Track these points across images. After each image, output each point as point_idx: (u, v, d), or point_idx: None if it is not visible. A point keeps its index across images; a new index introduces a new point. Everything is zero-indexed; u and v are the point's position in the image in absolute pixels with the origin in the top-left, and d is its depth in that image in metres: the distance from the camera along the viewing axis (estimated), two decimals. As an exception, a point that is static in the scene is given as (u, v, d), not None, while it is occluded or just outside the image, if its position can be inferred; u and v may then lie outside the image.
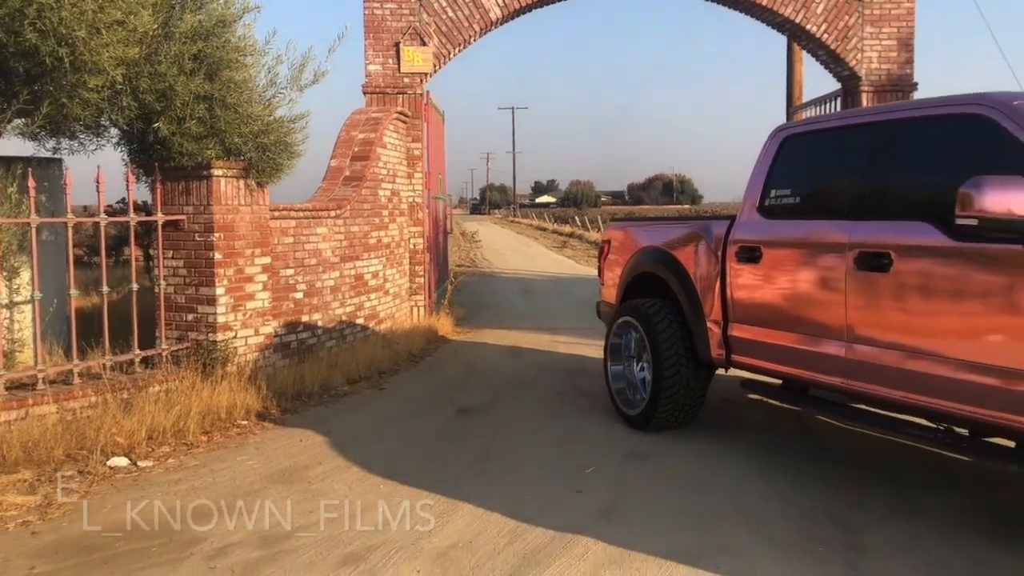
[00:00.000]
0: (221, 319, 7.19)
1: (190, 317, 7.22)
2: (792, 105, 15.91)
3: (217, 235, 7.13)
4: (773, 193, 5.28)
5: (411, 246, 11.35)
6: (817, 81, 14.02)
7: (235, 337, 7.31)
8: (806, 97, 15.35)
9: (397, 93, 10.98)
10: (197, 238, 7.18)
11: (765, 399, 5.67)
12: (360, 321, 9.55)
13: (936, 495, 4.63)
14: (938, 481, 4.88)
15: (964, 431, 4.22)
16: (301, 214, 8.42)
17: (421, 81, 11.05)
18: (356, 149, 9.84)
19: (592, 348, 8.97)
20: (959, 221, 3.64)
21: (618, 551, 3.91)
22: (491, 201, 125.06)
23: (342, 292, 9.15)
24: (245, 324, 7.43)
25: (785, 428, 6.10)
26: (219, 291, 7.16)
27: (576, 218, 50.28)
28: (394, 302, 10.63)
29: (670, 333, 5.82)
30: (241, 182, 7.34)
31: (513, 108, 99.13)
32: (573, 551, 3.91)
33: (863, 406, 4.72)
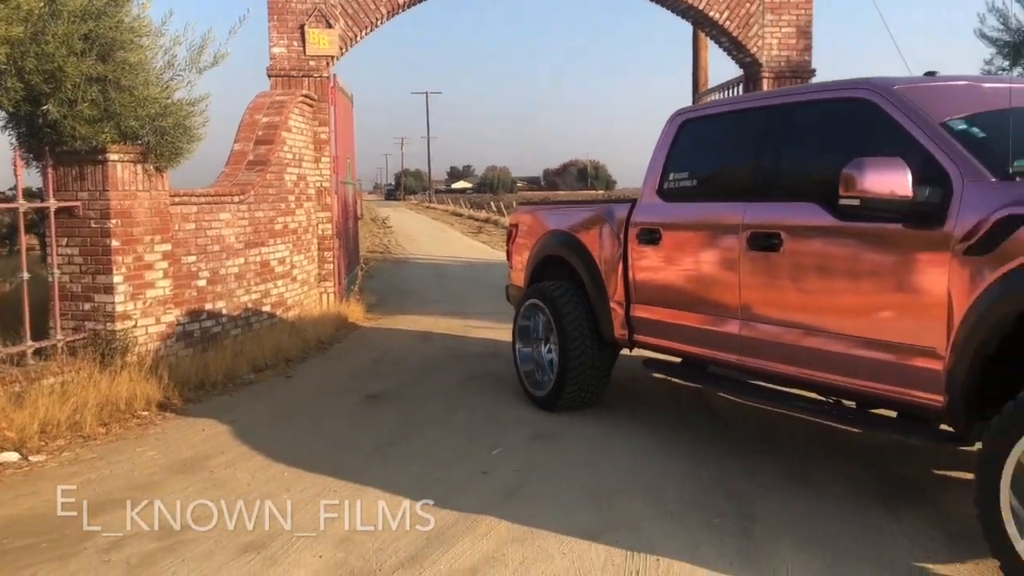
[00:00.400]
0: (120, 308, 6.97)
1: (87, 306, 6.99)
2: (698, 91, 16.23)
3: (114, 222, 6.91)
4: (671, 176, 5.39)
5: (319, 232, 11.19)
6: (724, 67, 14.30)
7: (135, 326, 7.10)
8: (712, 83, 15.66)
9: (303, 76, 10.79)
10: (93, 225, 6.94)
11: (668, 378, 5.79)
12: (267, 308, 9.39)
13: (827, 466, 4.82)
14: (829, 453, 5.07)
15: (851, 403, 4.40)
16: (203, 199, 8.22)
17: (328, 64, 10.88)
18: (260, 133, 9.64)
19: (504, 332, 9.00)
20: (842, 201, 3.78)
21: (521, 529, 3.96)
22: (406, 187, 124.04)
23: (247, 279, 8.98)
24: (145, 313, 7.22)
25: (687, 405, 6.26)
26: (117, 279, 6.95)
27: (492, 203, 50.30)
28: (302, 289, 10.48)
29: (576, 315, 5.90)
30: (139, 167, 7.12)
31: (427, 93, 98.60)
32: (477, 531, 3.95)
33: (758, 382, 4.88)
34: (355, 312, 10.92)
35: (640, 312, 5.50)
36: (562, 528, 3.96)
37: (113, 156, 6.83)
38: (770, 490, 4.45)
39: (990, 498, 3.18)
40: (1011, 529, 3.14)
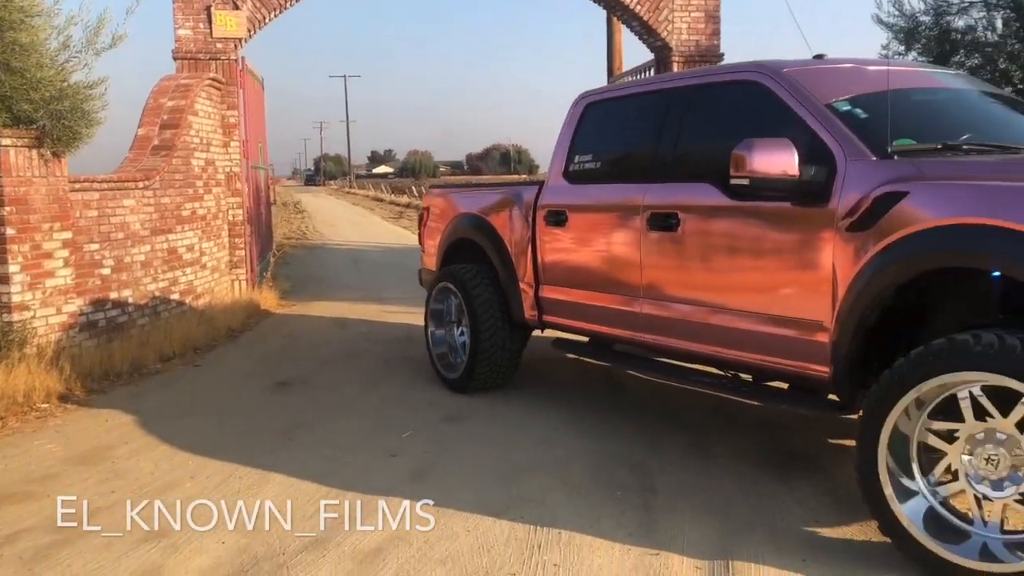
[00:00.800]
0: (17, 299, 6.75)
1: (-19, 297, 6.74)
2: (613, 75, 16.40)
3: (8, 209, 6.67)
4: (576, 159, 5.46)
5: (230, 218, 10.98)
6: (639, 52, 14.42)
7: (34, 317, 6.88)
8: (627, 67, 15.84)
9: (210, 59, 10.54)
10: (-14, 213, 6.69)
11: (577, 357, 5.88)
12: (175, 296, 9.19)
13: (726, 438, 4.98)
14: (728, 426, 5.24)
15: (748, 377, 4.55)
16: (105, 186, 7.98)
17: (235, 47, 10.66)
18: (165, 117, 9.39)
19: (421, 317, 8.99)
20: (733, 181, 3.89)
21: (428, 508, 3.98)
22: (326, 172, 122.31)
23: (154, 267, 8.76)
24: (45, 303, 7.00)
25: (596, 384, 6.37)
26: (13, 269, 6.71)
27: (414, 188, 50.00)
28: (213, 276, 10.27)
29: (486, 297, 5.94)
30: (34, 152, 6.87)
31: (345, 76, 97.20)
32: (383, 512, 3.96)
33: (662, 359, 5.00)
34: (268, 299, 10.77)
35: (549, 293, 5.57)
36: (467, 506, 4.00)
37: (6, 141, 6.58)
38: (671, 463, 4.58)
39: (869, 462, 3.33)
40: (888, 491, 3.29)
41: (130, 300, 8.32)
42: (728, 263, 4.27)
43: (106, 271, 7.96)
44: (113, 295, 8.07)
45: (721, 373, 4.64)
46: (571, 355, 5.73)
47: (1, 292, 6.69)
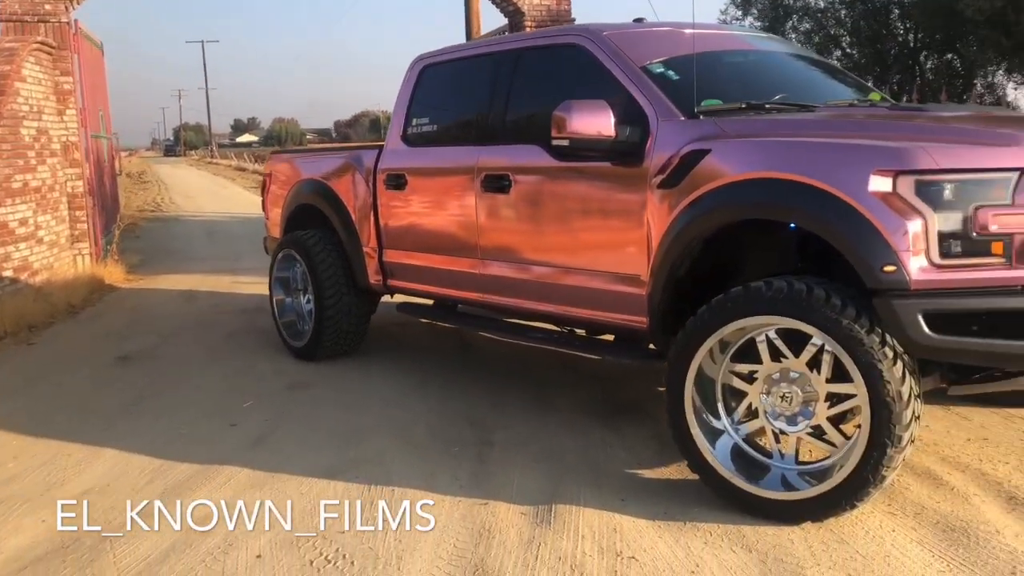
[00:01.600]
0: None
1: None
2: (470, 39, 16.38)
3: None
4: (414, 122, 5.48)
5: (69, 190, 10.46)
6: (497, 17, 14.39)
7: None
8: (484, 31, 15.84)
9: (38, 21, 9.94)
10: None
11: (423, 320, 5.94)
12: (8, 274, 8.71)
13: (566, 392, 5.16)
14: (569, 380, 5.43)
15: (582, 331, 4.73)
16: (-82, 157, 7.47)
17: (67, 8, 10.09)
18: (-10, 83, 8.83)
19: (271, 285, 8.87)
20: (554, 142, 4.00)
21: (262, 475, 3.99)
22: (187, 142, 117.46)
23: (-18, 243, 8.29)
24: None
25: (446, 346, 6.46)
26: None
27: (276, 157, 48.52)
28: (51, 251, 9.78)
29: (330, 263, 5.91)
30: None
31: (203, 41, 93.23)
32: (216, 480, 3.94)
33: (503, 317, 5.12)
34: (114, 274, 10.35)
35: (392, 257, 5.59)
36: (304, 470, 4.03)
37: None
38: (510, 417, 4.72)
39: (677, 404, 3.54)
40: (695, 431, 3.52)
41: (-45, 278, 7.87)
42: (556, 222, 4.40)
43: (-77, 248, 7.49)
44: (-67, 273, 7.61)
45: (556, 328, 4.80)
46: (418, 319, 5.77)
47: None
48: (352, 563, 3.17)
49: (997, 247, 3.06)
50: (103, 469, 4.14)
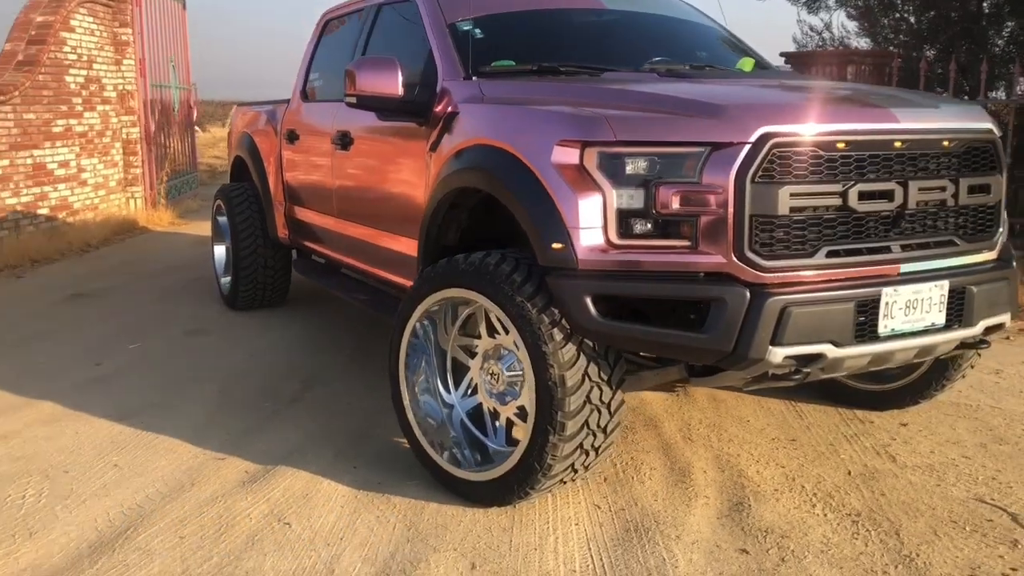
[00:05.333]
0: None
1: None
2: None
3: None
4: (311, 77, 5.48)
5: (123, 136, 11.11)
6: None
7: None
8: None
9: (97, -25, 10.54)
10: None
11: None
12: (44, 212, 9.39)
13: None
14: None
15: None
16: (-53, 99, 8.13)
17: (127, -37, 10.64)
18: (33, 32, 9.46)
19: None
20: (345, 99, 3.89)
21: (64, 411, 4.18)
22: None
23: (15, 182, 8.95)
24: None
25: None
26: None
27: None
28: (96, 193, 10.45)
29: (245, 216, 6.02)
30: None
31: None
32: (22, 412, 4.18)
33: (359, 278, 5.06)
34: (161, 219, 10.94)
35: (292, 213, 5.64)
36: (103, 412, 4.16)
37: None
38: (338, 377, 4.68)
39: (393, 371, 3.42)
40: (406, 400, 3.39)
41: (-17, 213, 8.55)
42: (377, 182, 4.32)
43: (-49, 184, 8.17)
44: (-39, 208, 8.29)
45: (385, 290, 4.66)
46: (310, 279, 5.73)
47: None
48: (45, 491, 3.25)
49: (681, 229, 2.76)
50: (-59, 393, 4.44)
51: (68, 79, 9.87)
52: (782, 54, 8.59)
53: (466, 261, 3.10)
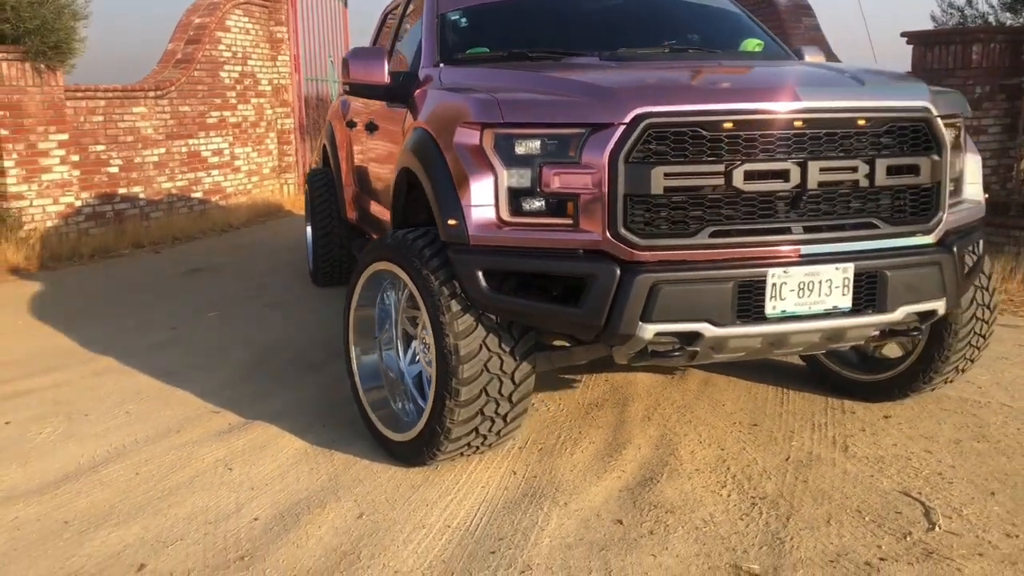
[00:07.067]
0: (13, 189, 8.13)
1: (-12, 187, 8.19)
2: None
3: (1, 114, 8.00)
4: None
5: (278, 126, 12.07)
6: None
7: (30, 205, 8.27)
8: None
9: (255, -21, 11.50)
10: (-14, 116, 8.06)
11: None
12: (198, 195, 10.43)
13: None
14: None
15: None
16: (111, 94, 9.21)
17: (281, -33, 11.54)
18: (191, 33, 10.50)
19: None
20: (341, 87, 4.22)
21: (116, 364, 4.79)
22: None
23: (170, 168, 10.00)
24: (41, 194, 8.37)
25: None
26: (8, 164, 8.08)
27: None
28: (249, 179, 11.44)
29: (324, 198, 6.50)
30: (27, 64, 8.13)
31: None
32: (83, 363, 4.84)
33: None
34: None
35: (354, 195, 6.04)
36: (149, 369, 4.72)
37: (-7, 55, 7.87)
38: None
39: (344, 333, 3.69)
40: (354, 366, 3.65)
41: (141, 196, 9.63)
42: (381, 164, 4.63)
43: (113, 170, 9.27)
44: (122, 191, 9.39)
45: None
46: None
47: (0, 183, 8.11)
48: (60, 429, 3.80)
49: (565, 207, 2.87)
50: (32, 347, 5.19)
51: (223, 74, 10.86)
52: (903, 34, 8.08)
53: (392, 236, 3.33)
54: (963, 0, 9.17)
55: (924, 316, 3.08)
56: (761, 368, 4.40)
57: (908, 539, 2.76)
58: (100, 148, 9.11)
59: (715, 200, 2.80)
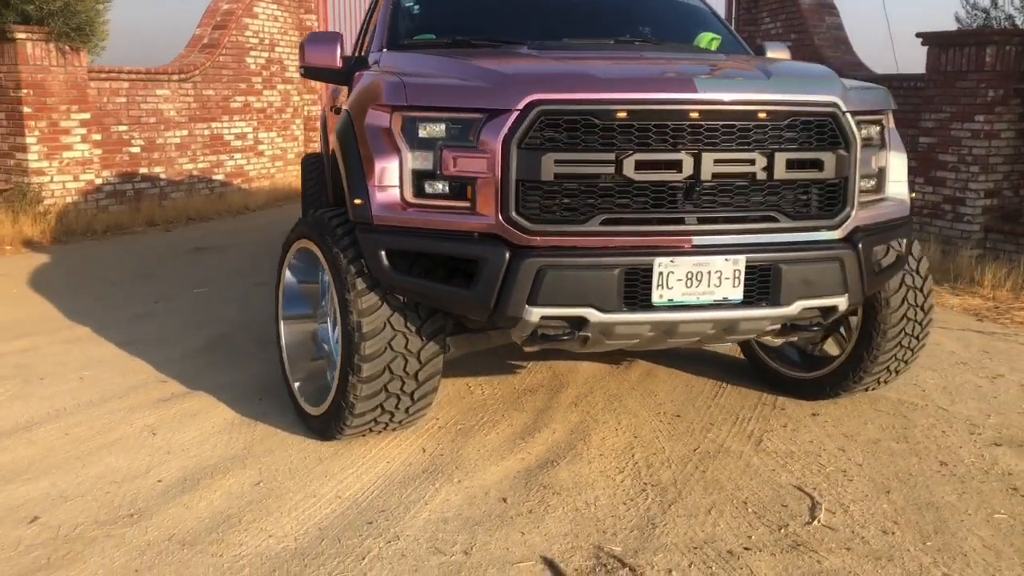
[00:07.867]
0: (34, 165, 8.45)
1: (11, 162, 8.51)
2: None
3: (25, 92, 8.30)
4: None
5: (304, 112, 12.29)
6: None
7: (51, 181, 8.58)
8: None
9: (286, -32, 11.72)
10: (11, 94, 8.37)
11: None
12: (220, 177, 10.68)
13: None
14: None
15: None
16: (134, 76, 9.49)
17: (312, -44, 11.74)
18: (218, 19, 10.75)
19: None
20: (300, 72, 4.32)
21: (88, 332, 4.98)
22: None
23: (192, 150, 10.27)
24: (61, 171, 8.67)
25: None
26: (30, 140, 8.39)
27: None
28: (274, 164, 11.67)
29: (314, 183, 6.64)
30: (52, 45, 8.43)
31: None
32: (62, 330, 5.03)
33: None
34: (331, 187, 11.99)
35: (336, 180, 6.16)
36: (118, 339, 4.89)
37: (20, 35, 8.16)
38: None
39: (275, 309, 3.80)
40: (280, 327, 3.75)
41: (162, 176, 9.90)
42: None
43: (135, 150, 9.56)
44: (143, 170, 9.67)
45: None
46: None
47: (20, 159, 8.42)
48: (12, 391, 3.98)
49: (465, 191, 2.93)
50: (18, 315, 5.41)
51: (248, 60, 11.10)
52: (918, 35, 7.92)
53: (312, 216, 3.43)
54: (988, 1, 8.96)
55: (826, 312, 3.07)
56: (705, 361, 4.41)
57: (782, 531, 2.77)
58: (123, 128, 9.39)
59: (607, 188, 2.84)
